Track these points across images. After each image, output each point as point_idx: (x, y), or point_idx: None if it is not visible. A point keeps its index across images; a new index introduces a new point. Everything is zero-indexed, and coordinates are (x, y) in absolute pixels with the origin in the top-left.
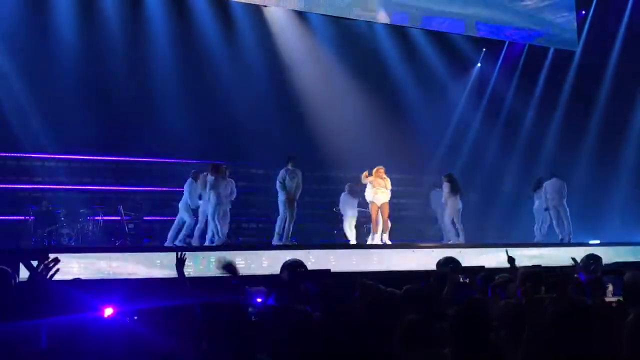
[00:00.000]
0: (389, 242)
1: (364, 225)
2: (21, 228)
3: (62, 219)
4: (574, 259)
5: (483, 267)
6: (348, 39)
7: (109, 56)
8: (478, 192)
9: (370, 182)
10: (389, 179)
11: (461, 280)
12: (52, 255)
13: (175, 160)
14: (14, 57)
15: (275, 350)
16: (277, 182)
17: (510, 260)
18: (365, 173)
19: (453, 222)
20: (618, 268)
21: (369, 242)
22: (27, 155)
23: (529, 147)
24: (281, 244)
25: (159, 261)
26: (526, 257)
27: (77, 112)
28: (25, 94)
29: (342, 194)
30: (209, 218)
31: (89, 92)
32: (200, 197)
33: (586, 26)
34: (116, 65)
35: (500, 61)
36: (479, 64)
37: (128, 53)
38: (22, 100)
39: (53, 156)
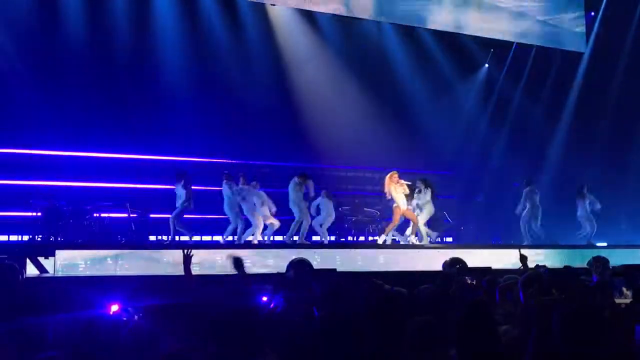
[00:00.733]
0: (415, 242)
1: (370, 225)
2: (28, 224)
3: (69, 215)
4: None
5: (490, 268)
6: (354, 38)
7: (116, 53)
8: (485, 193)
9: (395, 188)
10: (405, 184)
11: (469, 282)
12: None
13: (182, 158)
14: (25, 53)
15: (282, 348)
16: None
17: (523, 258)
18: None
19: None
20: (627, 270)
21: (380, 242)
22: (35, 151)
23: (536, 148)
24: (287, 242)
25: (165, 258)
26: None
27: (83, 108)
28: (34, 89)
29: (319, 199)
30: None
31: (97, 89)
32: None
33: (595, 27)
34: (122, 62)
35: (508, 62)
36: (486, 65)
37: (135, 50)
38: (31, 96)
39: (61, 152)
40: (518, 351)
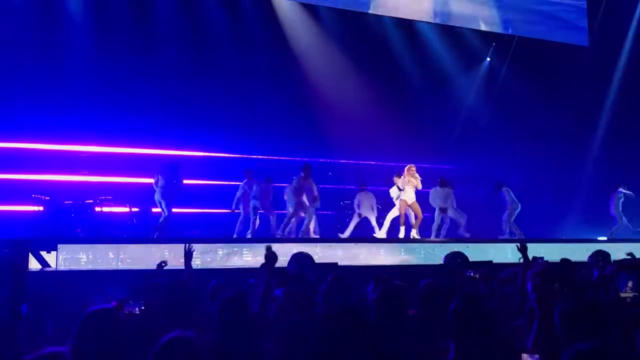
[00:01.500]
0: (418, 237)
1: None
2: (30, 218)
3: (71, 209)
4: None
5: (490, 261)
6: (356, 31)
7: (117, 46)
8: (487, 187)
9: (405, 180)
10: (419, 177)
11: (472, 275)
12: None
13: (184, 152)
14: (25, 46)
15: (282, 341)
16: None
17: (523, 249)
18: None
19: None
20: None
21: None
22: (37, 145)
23: (538, 142)
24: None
25: (167, 252)
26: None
27: (85, 102)
28: (35, 83)
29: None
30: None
31: (99, 84)
32: None
33: (597, 21)
34: (124, 55)
35: (509, 56)
36: (488, 59)
37: (137, 43)
38: (32, 89)
39: (63, 146)
40: (518, 343)
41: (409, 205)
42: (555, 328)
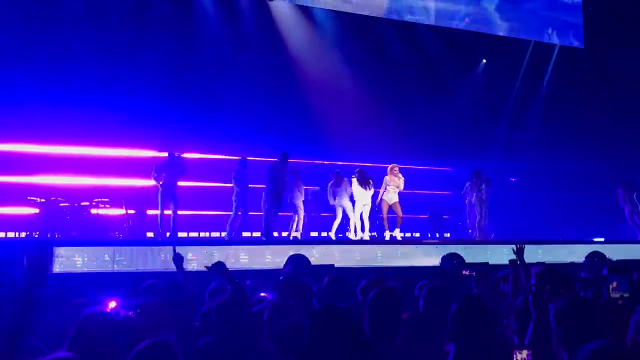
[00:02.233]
0: (400, 238)
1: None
2: (26, 220)
3: (67, 212)
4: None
5: (487, 263)
6: (353, 33)
7: (114, 49)
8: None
9: (386, 181)
10: (403, 178)
11: (467, 273)
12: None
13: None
14: (22, 47)
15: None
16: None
17: (520, 251)
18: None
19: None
20: (624, 265)
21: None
22: (32, 147)
23: (534, 143)
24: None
25: (162, 255)
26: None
27: (82, 104)
28: (30, 85)
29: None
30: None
31: (94, 86)
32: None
33: (593, 23)
34: (122, 57)
35: (506, 57)
36: (484, 60)
37: (134, 46)
38: (29, 91)
39: (59, 148)
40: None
41: (390, 206)
42: (550, 328)
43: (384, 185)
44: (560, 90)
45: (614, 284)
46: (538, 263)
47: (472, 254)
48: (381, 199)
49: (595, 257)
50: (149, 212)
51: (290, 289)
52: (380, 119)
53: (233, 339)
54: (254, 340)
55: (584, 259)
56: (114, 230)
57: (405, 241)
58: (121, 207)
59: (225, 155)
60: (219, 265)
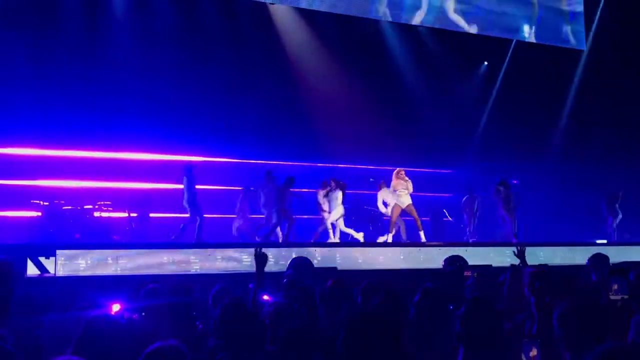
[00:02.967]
0: (424, 239)
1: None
2: (29, 224)
3: (69, 215)
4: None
5: (490, 265)
6: (354, 36)
7: (115, 52)
8: (484, 191)
9: (392, 186)
10: (410, 180)
11: (469, 275)
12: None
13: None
14: (24, 50)
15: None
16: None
17: (521, 253)
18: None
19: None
20: (625, 267)
21: (382, 240)
22: (35, 150)
23: (536, 145)
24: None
25: (165, 258)
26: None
27: (83, 107)
28: (34, 88)
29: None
30: None
31: (96, 90)
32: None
33: (594, 25)
34: (121, 61)
35: (507, 59)
36: (485, 62)
37: (134, 50)
38: (31, 95)
39: (61, 152)
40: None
41: (403, 210)
42: (553, 330)
43: (391, 189)
44: (562, 91)
45: (615, 287)
46: (540, 265)
47: (474, 256)
48: (384, 202)
49: (597, 260)
50: (152, 215)
51: (294, 292)
52: (378, 122)
53: (237, 342)
54: (258, 344)
55: (586, 261)
56: (117, 233)
57: (407, 244)
58: (124, 210)
59: (224, 158)
60: (263, 257)
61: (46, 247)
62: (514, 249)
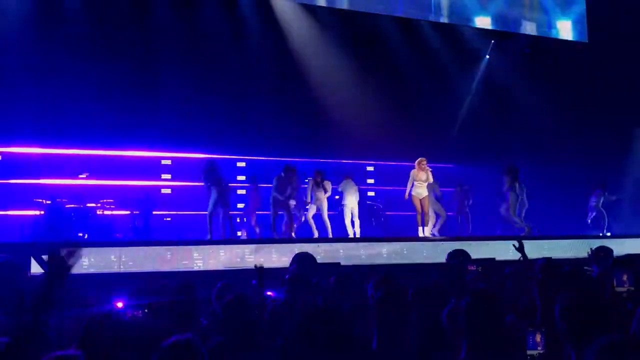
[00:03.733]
0: (429, 235)
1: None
2: (32, 223)
3: (72, 213)
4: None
5: (493, 259)
6: (356, 30)
7: (117, 50)
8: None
9: (412, 175)
10: (430, 171)
11: (473, 268)
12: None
13: (184, 155)
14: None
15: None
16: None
17: (521, 247)
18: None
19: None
20: (629, 259)
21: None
22: (38, 149)
23: (538, 139)
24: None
25: (169, 254)
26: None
27: (85, 106)
28: (36, 87)
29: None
30: None
31: (99, 88)
32: None
33: (596, 17)
34: (124, 59)
35: (509, 53)
36: (487, 56)
37: (137, 47)
38: (33, 93)
39: (64, 150)
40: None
41: (420, 201)
42: (556, 323)
43: (410, 180)
44: (564, 85)
45: (619, 278)
46: (544, 258)
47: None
48: (410, 194)
49: (601, 252)
50: (155, 212)
51: (297, 288)
52: (385, 117)
53: (241, 338)
54: (262, 339)
55: (590, 253)
56: (120, 231)
57: (410, 238)
58: (127, 208)
59: (228, 155)
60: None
61: (49, 246)
62: (515, 242)
